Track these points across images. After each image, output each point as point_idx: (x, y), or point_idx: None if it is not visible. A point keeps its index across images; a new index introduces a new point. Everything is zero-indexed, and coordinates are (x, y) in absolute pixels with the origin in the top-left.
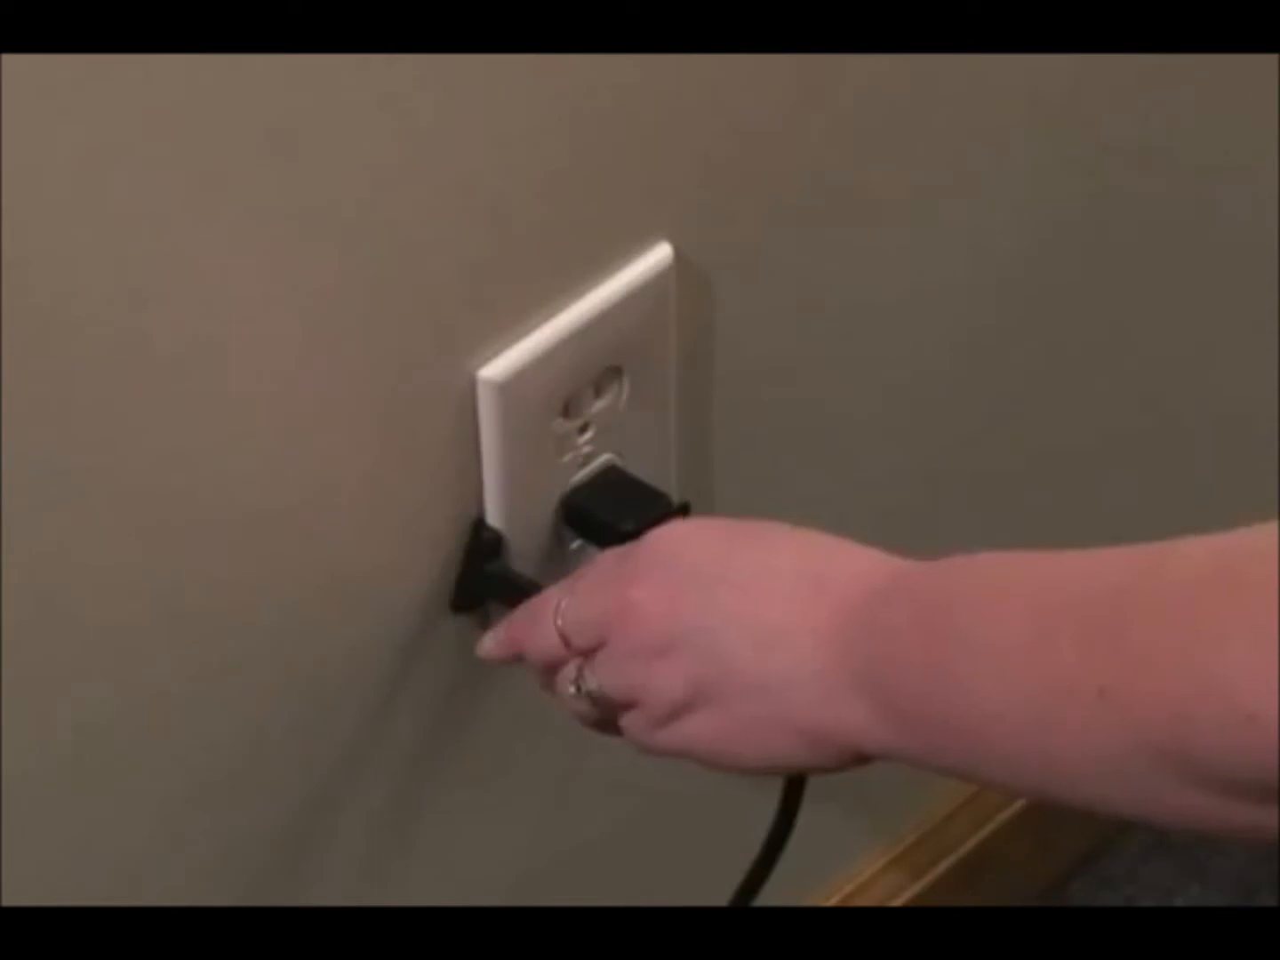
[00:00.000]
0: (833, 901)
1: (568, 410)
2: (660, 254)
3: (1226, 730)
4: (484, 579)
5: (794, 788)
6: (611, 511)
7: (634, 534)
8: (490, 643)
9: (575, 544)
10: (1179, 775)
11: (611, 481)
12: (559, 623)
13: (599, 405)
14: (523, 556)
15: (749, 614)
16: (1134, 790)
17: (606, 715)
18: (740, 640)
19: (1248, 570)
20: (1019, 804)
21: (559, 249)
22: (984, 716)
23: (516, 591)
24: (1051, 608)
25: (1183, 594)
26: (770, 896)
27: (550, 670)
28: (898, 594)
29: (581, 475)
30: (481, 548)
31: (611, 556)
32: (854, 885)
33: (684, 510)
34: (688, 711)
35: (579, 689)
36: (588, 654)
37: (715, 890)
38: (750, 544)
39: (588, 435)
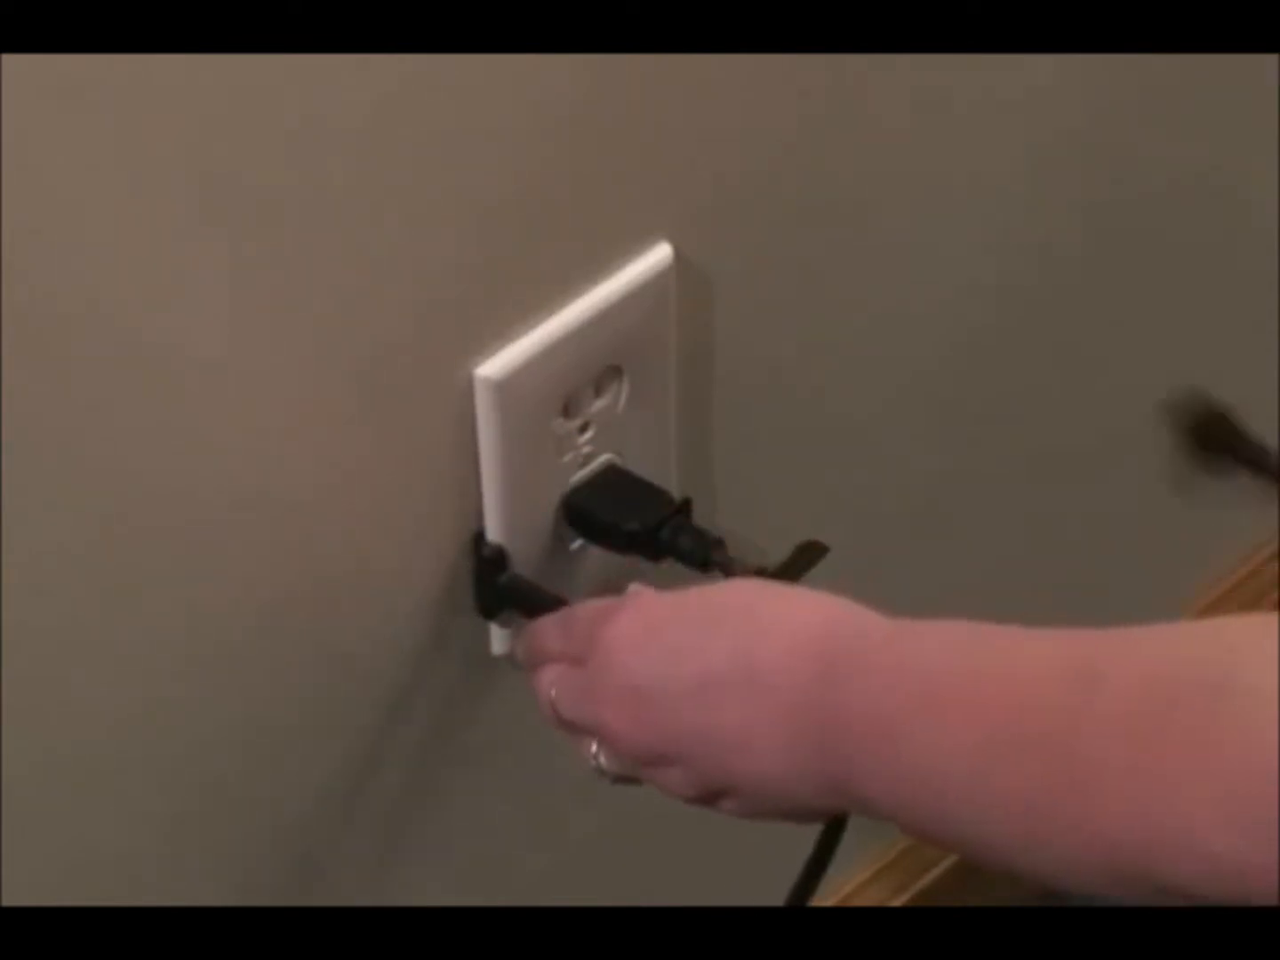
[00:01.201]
0: (833, 901)
1: (567, 410)
2: (660, 254)
3: (1190, 865)
4: (497, 591)
5: (833, 828)
6: (613, 511)
7: (637, 534)
8: (520, 654)
9: (576, 544)
10: (1151, 886)
11: (612, 481)
12: (556, 709)
13: (599, 405)
14: (524, 557)
15: (709, 727)
16: (1103, 887)
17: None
18: (714, 752)
19: (1187, 700)
20: None
21: (559, 248)
22: (960, 830)
23: (526, 601)
24: (1001, 733)
25: (1124, 733)
26: (770, 896)
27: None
28: (837, 715)
29: (581, 475)
30: (485, 564)
31: (575, 636)
32: (854, 885)
33: (685, 508)
34: (711, 801)
35: (599, 768)
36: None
37: (720, 890)
38: (686, 653)
39: (588, 435)
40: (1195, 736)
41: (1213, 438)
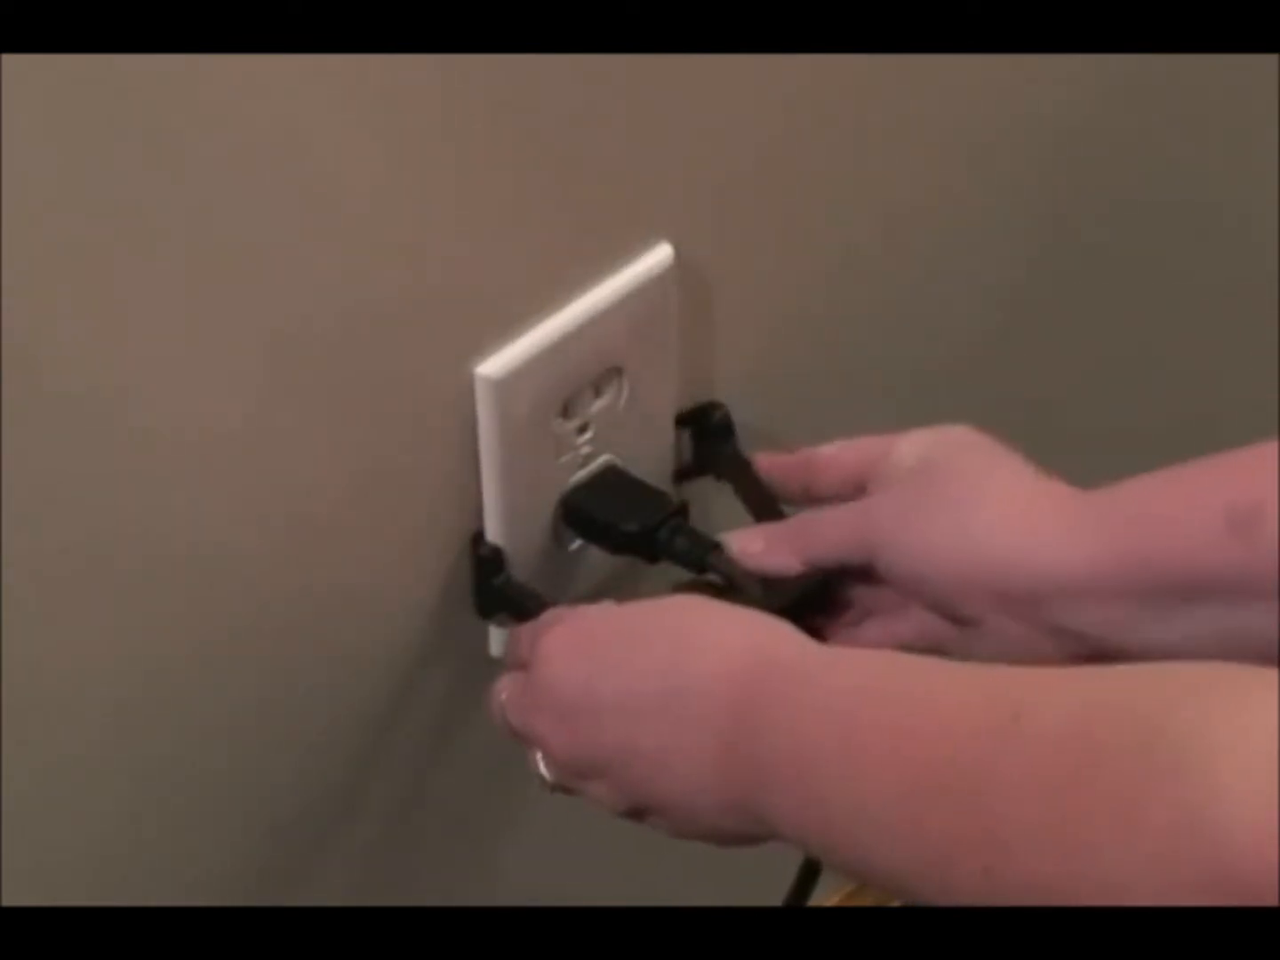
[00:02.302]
0: (833, 902)
1: (567, 410)
2: (660, 254)
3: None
4: (491, 592)
5: (807, 873)
6: (611, 512)
7: (634, 535)
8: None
9: (575, 544)
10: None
11: (611, 481)
12: (504, 715)
13: (598, 405)
14: (523, 557)
15: (630, 744)
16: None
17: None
18: (638, 769)
19: (1104, 738)
20: None
21: (559, 248)
22: (874, 869)
23: (517, 606)
24: (915, 785)
25: (1038, 789)
26: (770, 896)
27: None
28: (755, 746)
29: (581, 475)
30: (483, 564)
31: (523, 644)
32: (854, 885)
33: (682, 510)
34: (639, 817)
35: (539, 776)
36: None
37: (719, 890)
38: (611, 668)
39: (587, 435)
40: (1119, 800)
41: None
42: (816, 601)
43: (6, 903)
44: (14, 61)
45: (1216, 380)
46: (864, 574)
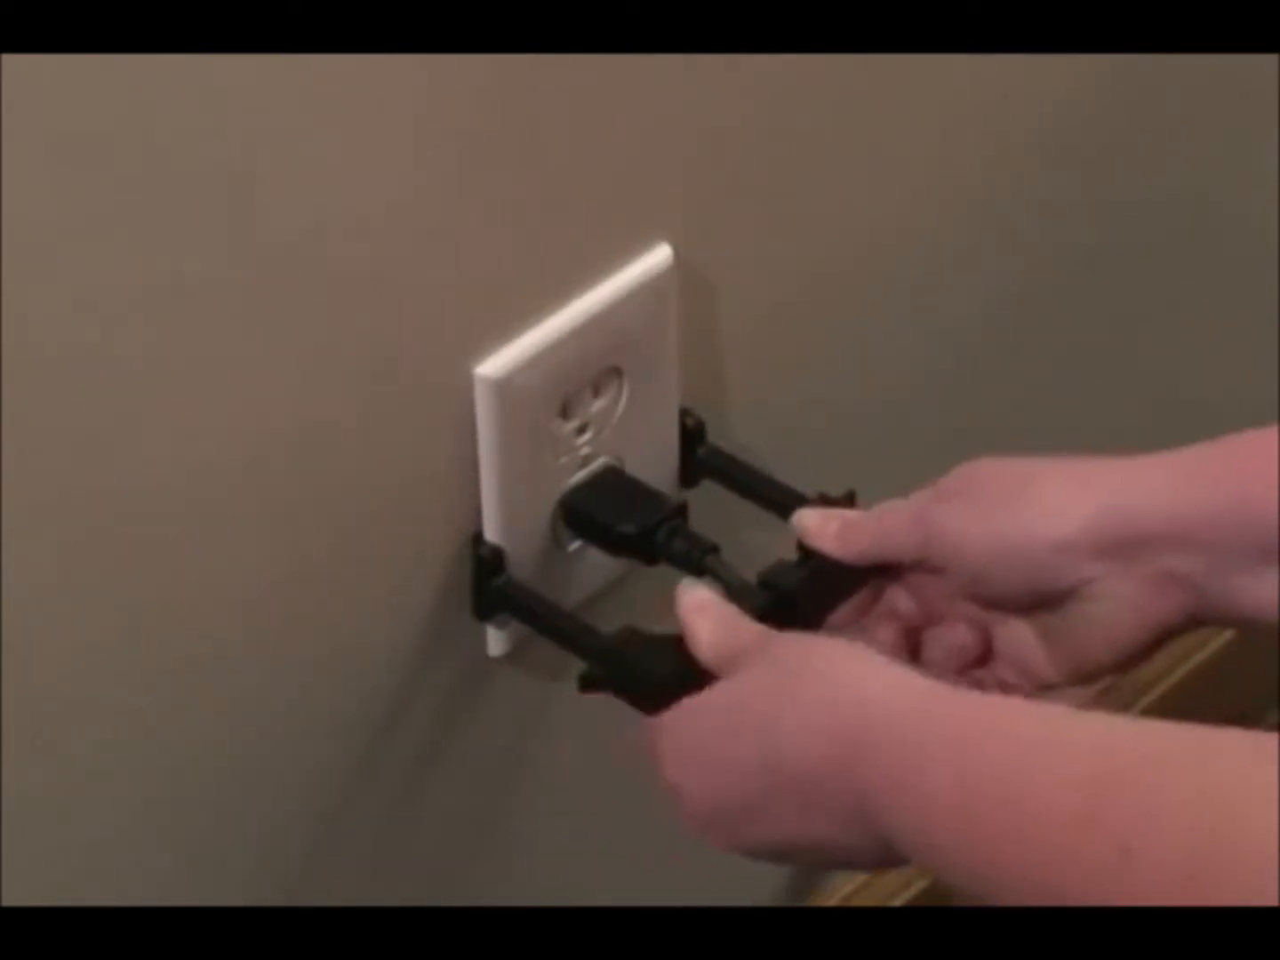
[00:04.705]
0: (833, 901)
1: (566, 411)
2: (660, 254)
3: None
4: (491, 593)
5: None
6: (610, 513)
7: (633, 537)
8: None
9: (574, 545)
10: None
11: (610, 482)
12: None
13: (598, 405)
14: (522, 558)
15: (773, 834)
16: None
17: None
18: (786, 846)
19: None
20: None
21: (559, 248)
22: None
23: (518, 606)
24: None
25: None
26: (770, 896)
27: None
28: (885, 828)
29: (580, 476)
30: (483, 564)
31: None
32: (854, 885)
33: (681, 512)
34: (788, 857)
35: None
36: None
37: (717, 890)
38: (720, 773)
39: (586, 436)
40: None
41: None
42: (816, 603)
43: (6, 903)
44: (14, 61)
45: (1217, 380)
46: (889, 576)
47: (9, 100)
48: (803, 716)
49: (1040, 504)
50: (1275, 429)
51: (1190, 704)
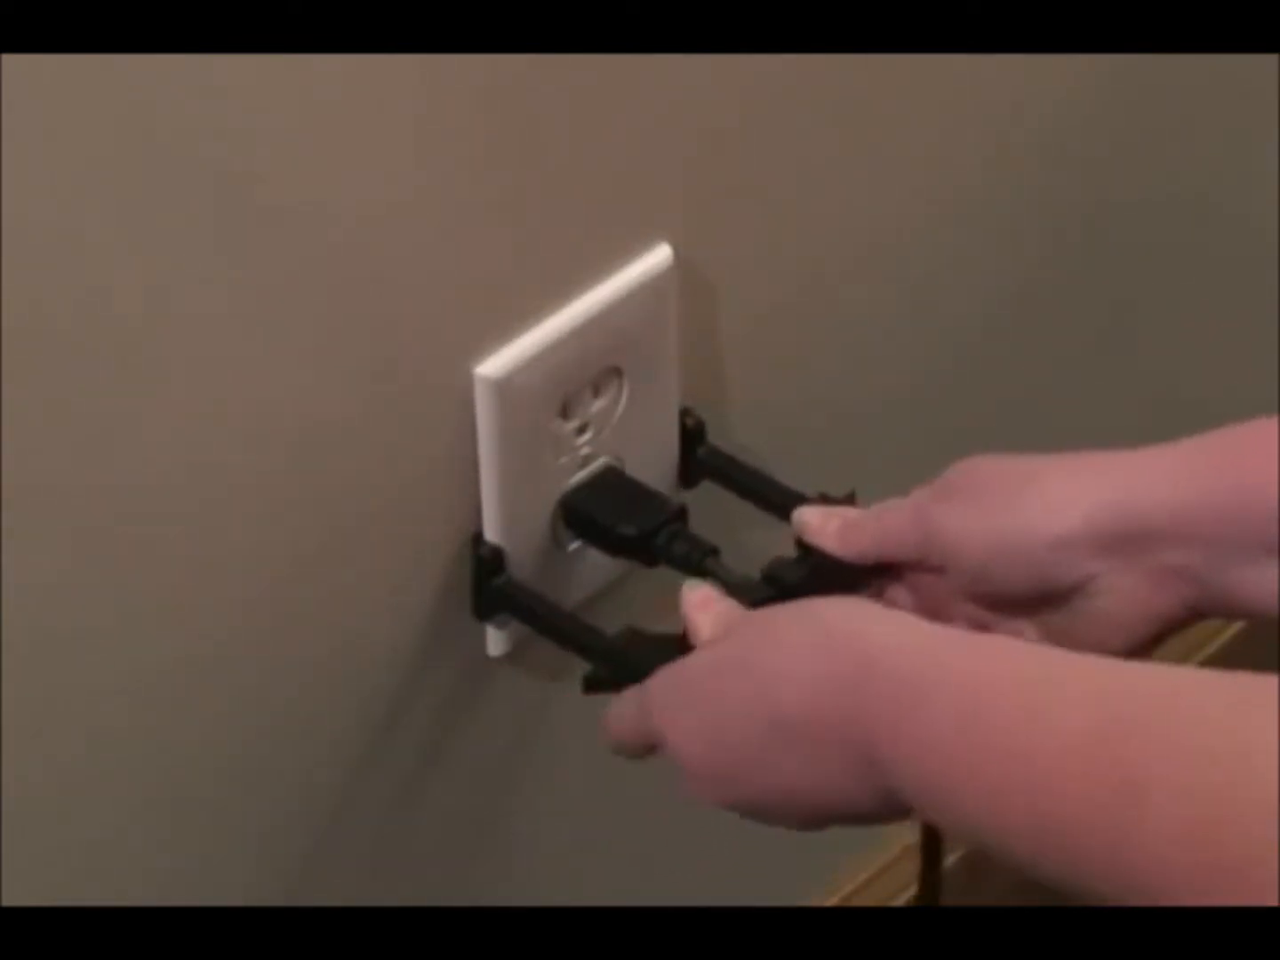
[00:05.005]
0: (833, 901)
1: (566, 411)
2: (660, 254)
3: None
4: (491, 593)
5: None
6: (610, 514)
7: (632, 539)
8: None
9: (574, 545)
10: None
11: (611, 483)
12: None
13: (598, 405)
14: (521, 558)
15: (771, 784)
16: None
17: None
18: (784, 798)
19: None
20: None
21: (559, 248)
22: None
23: (518, 606)
24: (1044, 831)
25: (1177, 846)
26: (770, 896)
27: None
28: (889, 779)
29: (580, 476)
30: (483, 564)
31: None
32: (854, 885)
33: (681, 514)
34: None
35: None
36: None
37: (718, 890)
38: (713, 721)
39: (586, 436)
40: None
41: None
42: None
43: (6, 903)
44: (14, 61)
45: (1217, 380)
46: (890, 575)
47: (9, 100)
48: (801, 661)
49: (1040, 501)
50: (1276, 419)
51: None
